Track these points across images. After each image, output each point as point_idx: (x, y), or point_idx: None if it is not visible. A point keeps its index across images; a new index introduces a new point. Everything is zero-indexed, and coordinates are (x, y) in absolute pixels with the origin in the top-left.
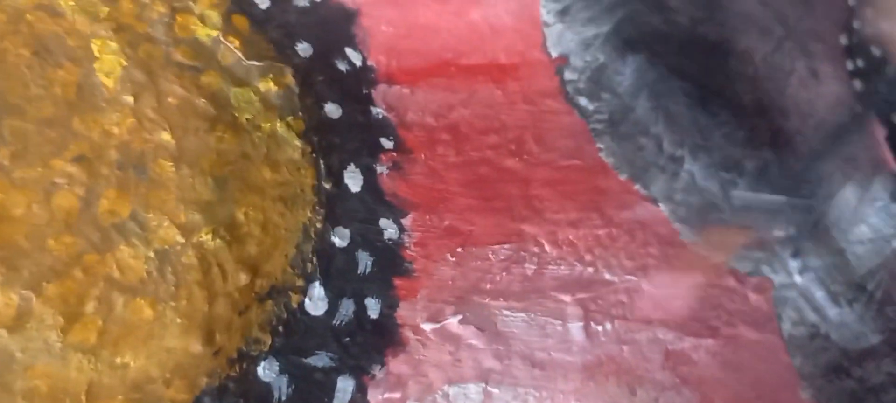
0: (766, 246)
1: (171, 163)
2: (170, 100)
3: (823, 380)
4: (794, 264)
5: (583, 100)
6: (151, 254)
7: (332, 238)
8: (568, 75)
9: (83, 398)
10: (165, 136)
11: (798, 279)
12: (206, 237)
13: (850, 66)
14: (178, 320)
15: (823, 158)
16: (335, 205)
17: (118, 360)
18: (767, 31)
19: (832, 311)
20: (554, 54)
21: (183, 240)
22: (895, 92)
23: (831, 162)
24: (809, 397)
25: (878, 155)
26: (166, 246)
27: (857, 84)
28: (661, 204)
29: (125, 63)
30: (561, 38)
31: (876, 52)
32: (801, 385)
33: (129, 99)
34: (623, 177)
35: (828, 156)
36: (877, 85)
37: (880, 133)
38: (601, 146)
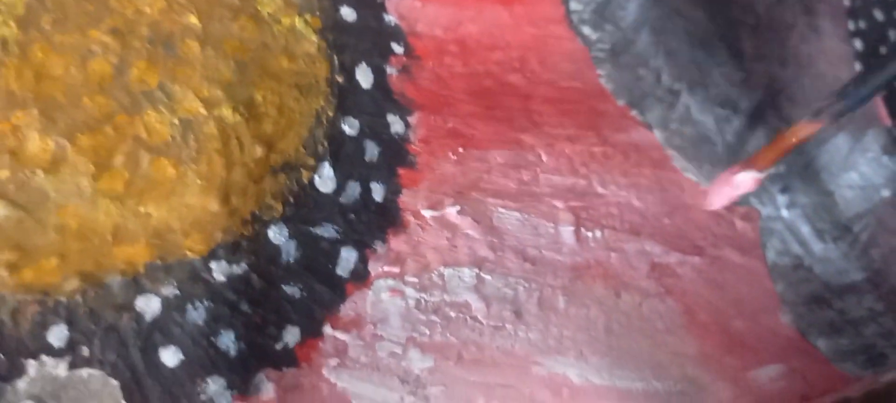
0: None
1: (198, 44)
2: None
3: (804, 308)
4: (781, 199)
5: (586, 29)
6: (176, 121)
7: (343, 126)
8: (573, 5)
9: (109, 237)
10: (193, 19)
11: (785, 213)
12: (226, 111)
13: (851, 26)
14: (198, 181)
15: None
16: (346, 98)
17: (142, 209)
18: None
19: (817, 246)
20: None
21: (205, 112)
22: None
23: None
24: (789, 321)
25: (871, 109)
26: (190, 116)
27: (858, 43)
28: (655, 131)
29: None
30: None
31: (878, 15)
32: (782, 310)
33: None
34: (621, 103)
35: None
36: (877, 46)
37: None
38: (602, 73)
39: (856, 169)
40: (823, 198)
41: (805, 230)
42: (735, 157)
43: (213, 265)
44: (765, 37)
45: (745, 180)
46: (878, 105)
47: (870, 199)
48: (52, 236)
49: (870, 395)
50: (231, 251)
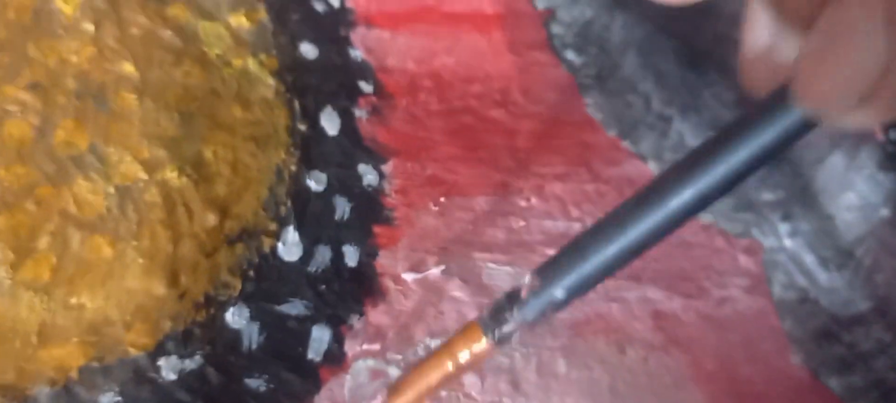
0: (755, 208)
1: (134, 96)
2: (133, 30)
3: (813, 345)
4: (783, 228)
5: (570, 54)
6: (111, 190)
7: (308, 181)
8: (555, 29)
9: (34, 339)
10: (128, 68)
11: (788, 243)
12: (170, 174)
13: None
14: (140, 260)
15: None
16: (310, 148)
17: (73, 300)
18: None
19: (822, 276)
20: (541, 7)
21: (146, 177)
22: None
23: (818, 128)
24: (800, 361)
25: None
26: (128, 182)
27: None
28: (649, 163)
29: None
30: None
31: None
32: (792, 349)
33: (90, 27)
34: (611, 134)
35: None
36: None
37: None
38: (589, 101)
39: (853, 188)
40: (824, 222)
41: (809, 259)
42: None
43: (161, 361)
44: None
45: None
46: None
47: (869, 220)
48: None
49: None
50: (182, 342)
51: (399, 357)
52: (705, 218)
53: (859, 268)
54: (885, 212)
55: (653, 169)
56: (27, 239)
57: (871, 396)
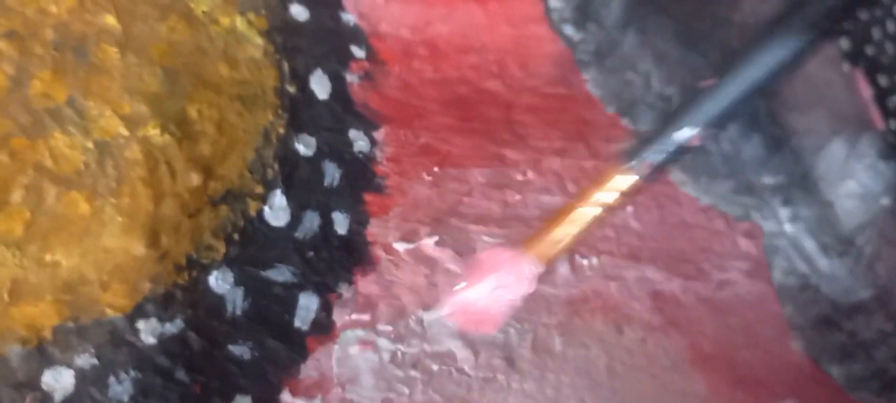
0: (755, 191)
1: (116, 50)
2: None
3: (814, 332)
4: (784, 212)
5: (568, 29)
6: (90, 145)
7: (296, 145)
8: (553, 3)
9: (5, 295)
10: (110, 20)
11: (788, 227)
12: (153, 131)
13: None
14: (119, 218)
15: (811, 111)
16: (300, 111)
17: (47, 257)
18: None
19: (822, 262)
20: None
21: (127, 133)
22: (882, 53)
23: (819, 114)
24: (801, 348)
25: (865, 113)
26: (107, 138)
27: (845, 43)
28: None
29: None
30: None
31: (862, 14)
32: (792, 336)
33: None
34: (610, 111)
35: (816, 108)
36: (863, 45)
37: (867, 92)
38: (587, 77)
39: (854, 176)
40: (825, 209)
41: (809, 245)
42: (731, 167)
43: (140, 324)
44: (752, 36)
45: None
46: (870, 107)
47: (870, 209)
48: None
49: None
50: (162, 305)
51: (389, 328)
52: (705, 199)
53: (860, 257)
54: (885, 202)
55: None
56: (0, 191)
57: (873, 385)
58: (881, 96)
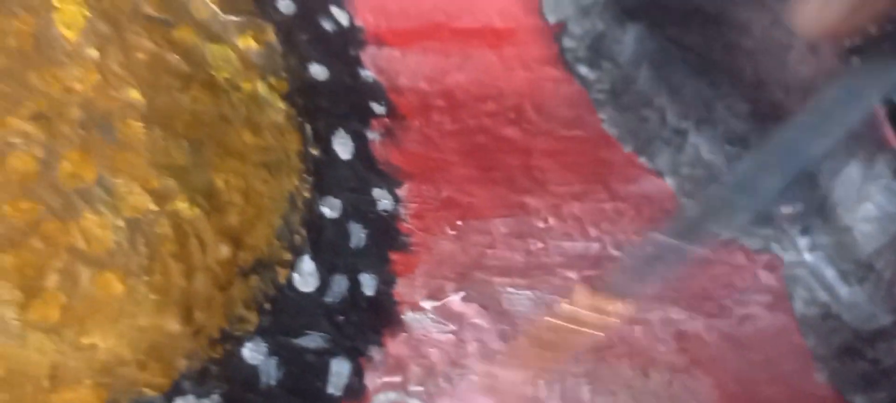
0: (773, 222)
1: (141, 124)
2: (138, 55)
3: (837, 362)
4: (803, 241)
5: (583, 69)
6: (121, 223)
7: (322, 208)
8: (567, 43)
9: (46, 382)
10: (134, 94)
11: (808, 257)
12: (181, 205)
13: (846, 41)
14: (152, 296)
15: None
16: (324, 173)
17: (85, 340)
18: (765, 4)
19: (843, 290)
20: (552, 20)
21: (156, 208)
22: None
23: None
24: (824, 379)
25: (879, 133)
26: (137, 215)
27: (856, 62)
28: (666, 178)
29: (88, 14)
30: (558, 4)
31: (871, 29)
32: (815, 367)
33: (93, 53)
34: (627, 150)
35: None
36: (874, 63)
37: (881, 111)
38: (603, 116)
39: (870, 199)
40: (843, 235)
41: (830, 274)
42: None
43: (177, 402)
44: (764, 61)
45: None
46: (885, 127)
47: (887, 232)
48: None
49: None
50: (198, 381)
51: (420, 388)
52: (725, 233)
53: (880, 281)
54: None
55: (670, 185)
56: (34, 277)
57: None
58: (894, 109)
